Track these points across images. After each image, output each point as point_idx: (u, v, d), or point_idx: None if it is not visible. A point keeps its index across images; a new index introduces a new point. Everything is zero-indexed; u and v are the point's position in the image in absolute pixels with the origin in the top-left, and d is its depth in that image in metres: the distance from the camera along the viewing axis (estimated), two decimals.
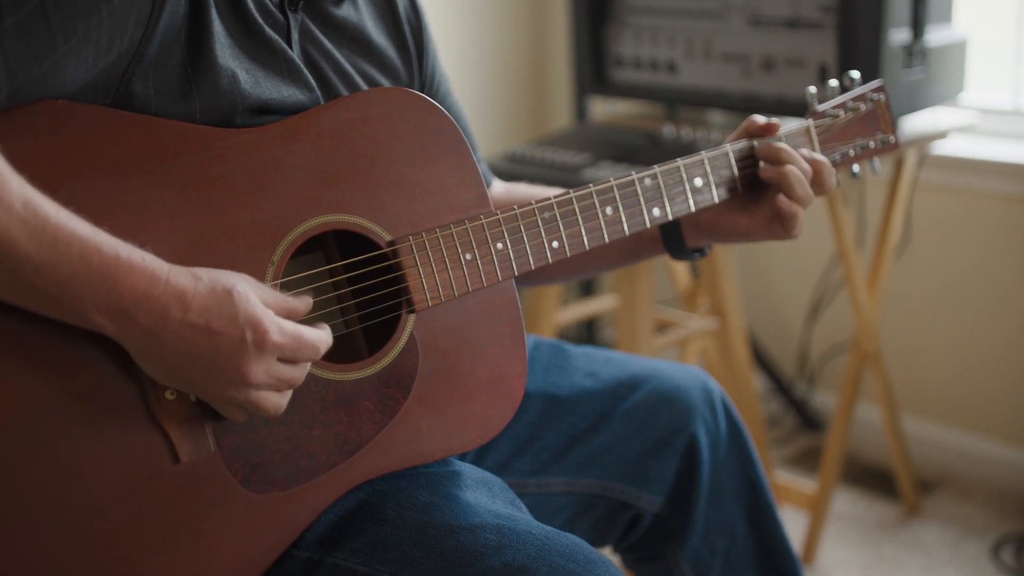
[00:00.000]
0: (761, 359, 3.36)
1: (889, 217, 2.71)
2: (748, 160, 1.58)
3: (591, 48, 2.87)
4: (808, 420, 3.40)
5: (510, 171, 2.56)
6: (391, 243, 1.35)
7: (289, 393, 1.23)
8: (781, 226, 1.55)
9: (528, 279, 1.63)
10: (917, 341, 3.16)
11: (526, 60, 3.77)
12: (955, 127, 2.64)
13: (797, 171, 1.53)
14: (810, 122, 1.63)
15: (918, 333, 3.15)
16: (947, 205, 3.01)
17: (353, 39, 1.47)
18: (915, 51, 2.41)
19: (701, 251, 1.64)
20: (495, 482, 1.44)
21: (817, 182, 1.56)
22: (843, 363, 3.20)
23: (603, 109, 3.21)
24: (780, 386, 3.40)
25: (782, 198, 1.54)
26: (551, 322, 2.90)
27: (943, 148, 2.84)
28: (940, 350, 3.13)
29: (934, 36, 2.46)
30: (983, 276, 3.00)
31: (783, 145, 1.55)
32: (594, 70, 2.88)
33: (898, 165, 2.67)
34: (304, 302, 1.24)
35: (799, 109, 2.45)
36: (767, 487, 1.72)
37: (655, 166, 1.52)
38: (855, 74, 1.68)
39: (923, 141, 2.58)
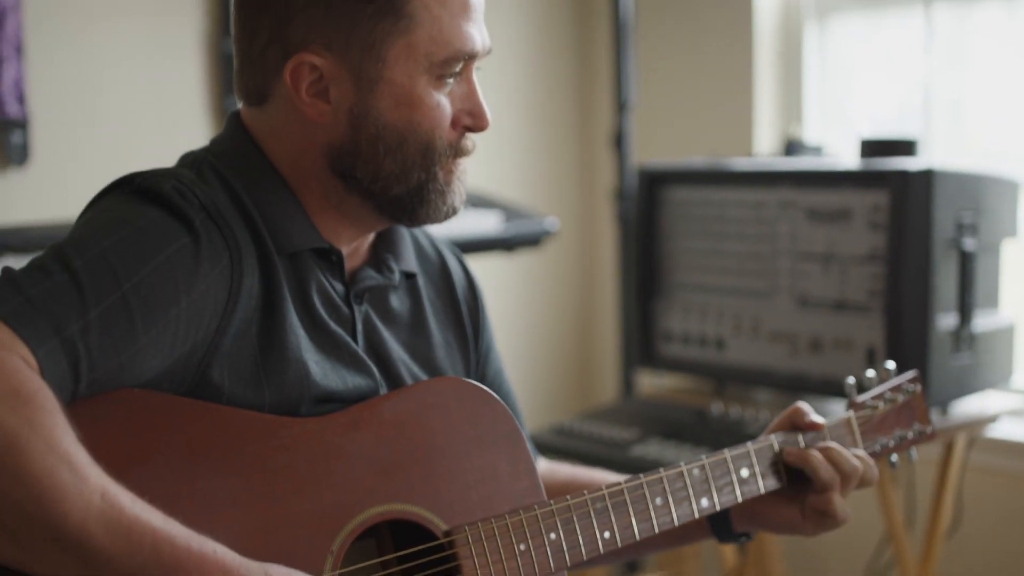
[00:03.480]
0: None
1: (940, 500, 2.68)
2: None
3: (640, 322, 2.91)
4: None
5: (558, 445, 2.57)
6: (447, 533, 1.36)
7: None
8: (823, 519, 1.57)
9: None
10: None
11: (574, 332, 3.82)
12: (1004, 411, 2.63)
13: (828, 465, 1.55)
14: (851, 414, 1.65)
15: None
16: (999, 488, 2.97)
17: (413, 325, 1.52)
18: (963, 336, 2.43)
19: (748, 535, 1.64)
20: None
21: (862, 479, 1.58)
22: None
23: (650, 382, 3.24)
24: None
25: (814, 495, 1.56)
26: None
27: (993, 431, 2.83)
28: None
29: (981, 321, 2.49)
30: None
31: (814, 454, 1.57)
32: (642, 344, 2.92)
33: (948, 448, 2.66)
34: None
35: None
36: None
37: (703, 456, 1.54)
38: (890, 364, 1.71)
39: (972, 425, 2.57)
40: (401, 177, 1.38)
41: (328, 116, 1.36)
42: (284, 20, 1.35)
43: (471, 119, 1.42)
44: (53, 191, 2.68)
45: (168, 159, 1.45)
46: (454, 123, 1.40)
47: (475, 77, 1.42)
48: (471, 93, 1.42)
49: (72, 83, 2.74)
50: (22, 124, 2.62)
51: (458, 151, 1.42)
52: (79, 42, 2.75)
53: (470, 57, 1.39)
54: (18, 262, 1.92)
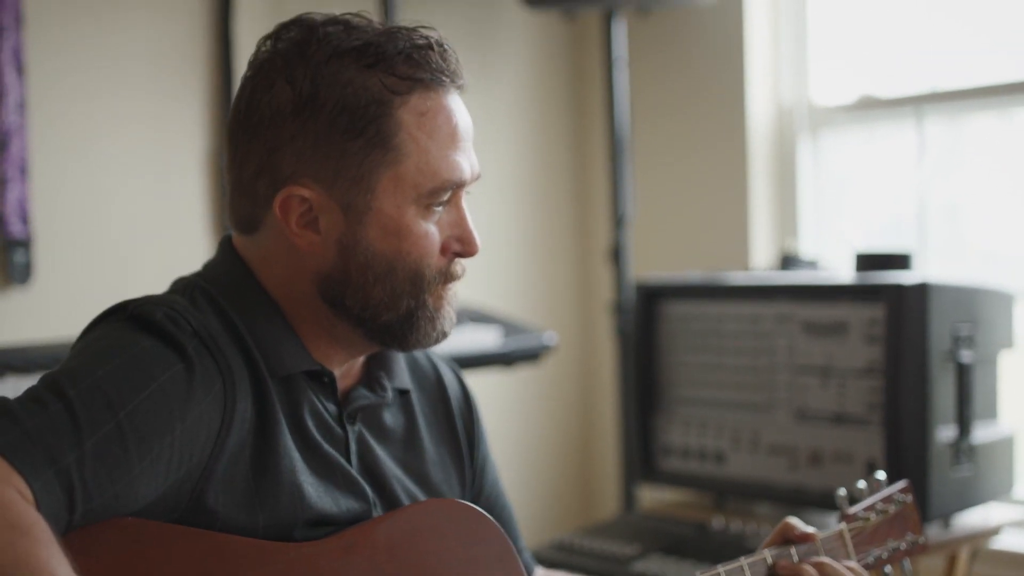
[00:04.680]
0: None
1: None
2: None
3: (639, 436, 2.91)
4: None
5: (558, 561, 2.54)
6: None
7: None
8: None
9: None
10: None
11: (573, 446, 3.81)
12: (1006, 523, 2.62)
13: None
14: (843, 526, 1.65)
15: None
16: None
17: (407, 441, 1.53)
18: (962, 448, 2.43)
19: None
20: None
21: None
22: None
23: (651, 496, 3.22)
24: None
25: None
26: None
27: (996, 543, 2.81)
28: None
29: (981, 433, 2.49)
30: None
31: (807, 568, 1.56)
32: (642, 458, 2.91)
33: (951, 561, 2.64)
34: None
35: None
36: None
37: (697, 573, 1.53)
38: (881, 474, 1.72)
39: (975, 538, 2.55)
40: (390, 305, 1.40)
41: (318, 246, 1.38)
42: (273, 150, 1.37)
43: (460, 245, 1.43)
44: (56, 310, 2.70)
45: (170, 277, 1.47)
46: (443, 249, 1.42)
47: (464, 202, 1.44)
48: (460, 220, 1.43)
49: (75, 203, 2.77)
50: (25, 243, 2.65)
51: (448, 277, 1.43)
52: (82, 162, 2.79)
53: (458, 186, 1.41)
54: (20, 382, 1.93)
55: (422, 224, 1.39)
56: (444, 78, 1.39)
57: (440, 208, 1.40)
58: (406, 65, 1.37)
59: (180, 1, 2.96)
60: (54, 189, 2.73)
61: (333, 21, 1.40)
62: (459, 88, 1.42)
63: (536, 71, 3.73)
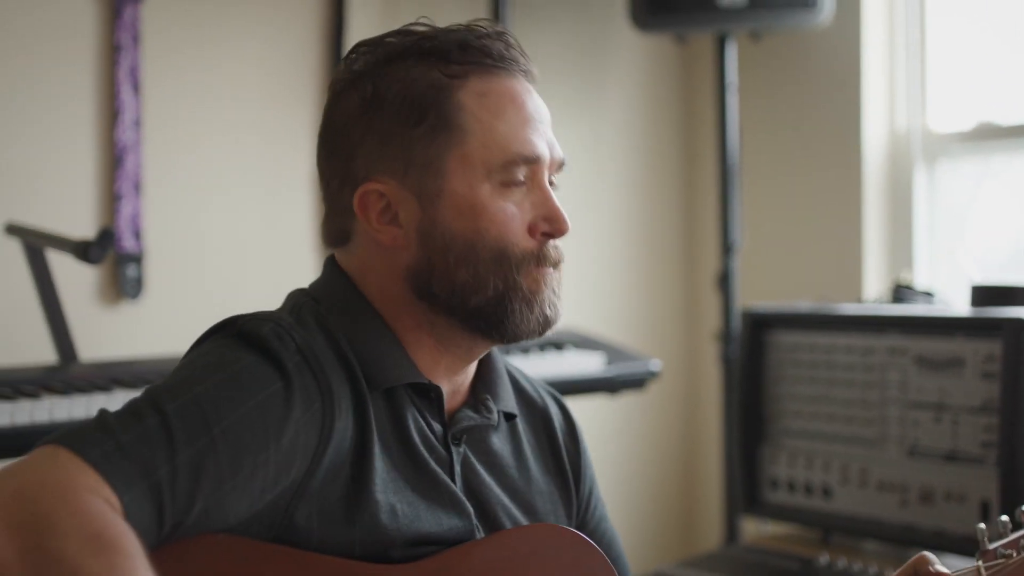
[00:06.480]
0: None
1: None
2: None
3: (744, 467, 2.86)
4: None
5: None
6: None
7: None
8: None
9: None
10: None
11: (677, 476, 3.77)
12: None
13: None
14: (980, 564, 1.58)
15: None
16: None
17: (515, 467, 1.50)
18: None
19: None
20: None
21: None
22: None
23: (754, 530, 3.16)
24: None
25: None
26: None
27: None
28: None
29: None
30: None
31: None
32: (747, 490, 2.86)
33: None
34: None
35: (960, 546, 2.39)
36: None
37: None
38: None
39: None
40: (477, 287, 1.38)
41: (401, 239, 1.39)
42: (349, 159, 1.41)
43: (548, 225, 1.41)
44: (166, 325, 2.73)
45: (278, 292, 1.48)
46: (532, 231, 1.40)
47: (548, 186, 1.43)
48: (546, 199, 1.41)
49: (186, 218, 2.81)
50: (137, 258, 2.69)
51: (541, 259, 1.40)
52: (194, 178, 2.82)
53: (532, 161, 1.40)
54: (129, 396, 1.95)
55: (498, 201, 1.38)
56: (505, 64, 1.41)
57: (520, 188, 1.40)
58: (461, 52, 1.40)
59: (293, 19, 2.99)
60: (166, 205, 2.77)
61: (395, 32, 1.45)
62: (525, 75, 1.43)
63: (646, 94, 3.71)
